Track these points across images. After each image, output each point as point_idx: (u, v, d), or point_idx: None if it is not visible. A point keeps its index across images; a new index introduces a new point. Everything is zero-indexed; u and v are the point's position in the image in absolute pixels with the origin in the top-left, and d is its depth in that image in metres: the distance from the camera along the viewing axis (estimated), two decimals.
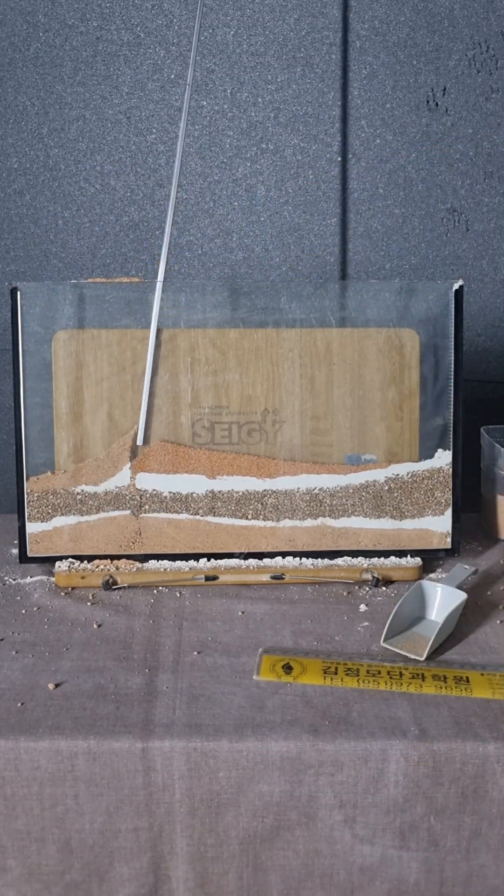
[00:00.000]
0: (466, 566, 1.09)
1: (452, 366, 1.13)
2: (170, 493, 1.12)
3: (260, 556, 1.14)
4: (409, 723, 0.84)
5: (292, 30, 1.33)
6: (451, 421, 1.14)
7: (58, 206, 1.36)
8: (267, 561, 1.13)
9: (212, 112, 1.34)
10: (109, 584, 1.09)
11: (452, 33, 1.31)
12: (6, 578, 1.13)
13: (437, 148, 1.34)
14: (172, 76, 1.33)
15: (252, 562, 1.13)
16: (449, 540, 1.15)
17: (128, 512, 1.12)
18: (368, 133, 1.32)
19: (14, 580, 1.12)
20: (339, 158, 1.34)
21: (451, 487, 1.14)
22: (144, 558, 1.13)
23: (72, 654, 0.96)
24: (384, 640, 0.96)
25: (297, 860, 0.84)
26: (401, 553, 1.14)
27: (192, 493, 1.13)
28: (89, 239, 1.37)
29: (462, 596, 1.00)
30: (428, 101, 1.33)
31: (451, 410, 1.14)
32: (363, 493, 1.14)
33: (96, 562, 1.12)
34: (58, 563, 1.12)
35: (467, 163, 1.35)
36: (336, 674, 0.91)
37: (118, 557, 1.12)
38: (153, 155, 1.35)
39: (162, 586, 1.10)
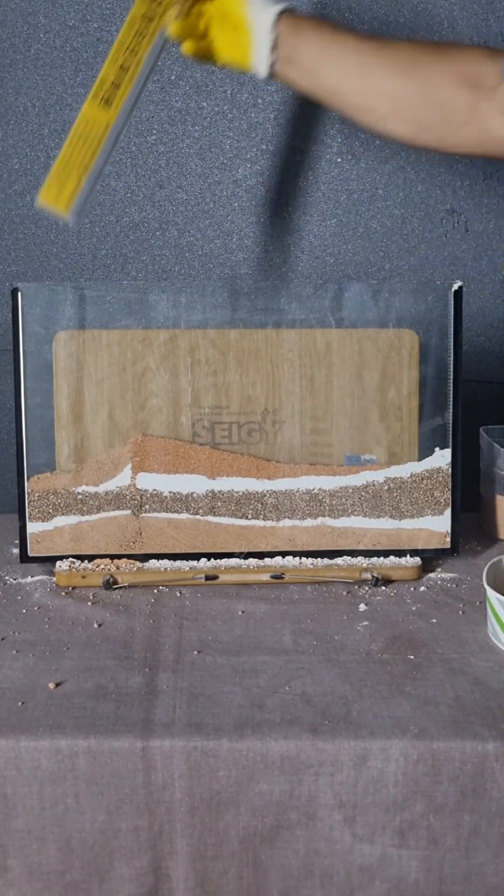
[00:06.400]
0: None
1: (451, 366, 1.13)
2: (170, 492, 1.13)
3: (260, 555, 1.14)
4: (408, 722, 0.84)
5: None
6: (451, 421, 1.14)
7: None
8: (267, 560, 1.13)
9: (212, 113, 1.34)
10: (110, 584, 1.10)
11: (452, 35, 1.31)
12: (7, 578, 1.13)
13: None
14: (173, 77, 1.33)
15: (252, 561, 1.13)
16: (448, 540, 1.15)
17: (128, 512, 1.13)
18: (368, 134, 1.32)
19: (15, 580, 1.12)
20: (339, 159, 1.34)
21: (450, 487, 1.14)
22: (145, 558, 1.13)
23: (72, 653, 0.96)
24: None
25: (296, 859, 0.84)
26: (400, 553, 1.15)
27: (192, 493, 1.13)
28: (89, 240, 1.37)
29: None
30: None
31: (451, 411, 1.14)
32: (363, 493, 1.14)
33: (97, 561, 1.12)
34: (58, 563, 1.12)
35: (466, 164, 1.35)
36: None
37: (119, 557, 1.13)
38: (153, 156, 1.35)
39: (162, 586, 1.11)
